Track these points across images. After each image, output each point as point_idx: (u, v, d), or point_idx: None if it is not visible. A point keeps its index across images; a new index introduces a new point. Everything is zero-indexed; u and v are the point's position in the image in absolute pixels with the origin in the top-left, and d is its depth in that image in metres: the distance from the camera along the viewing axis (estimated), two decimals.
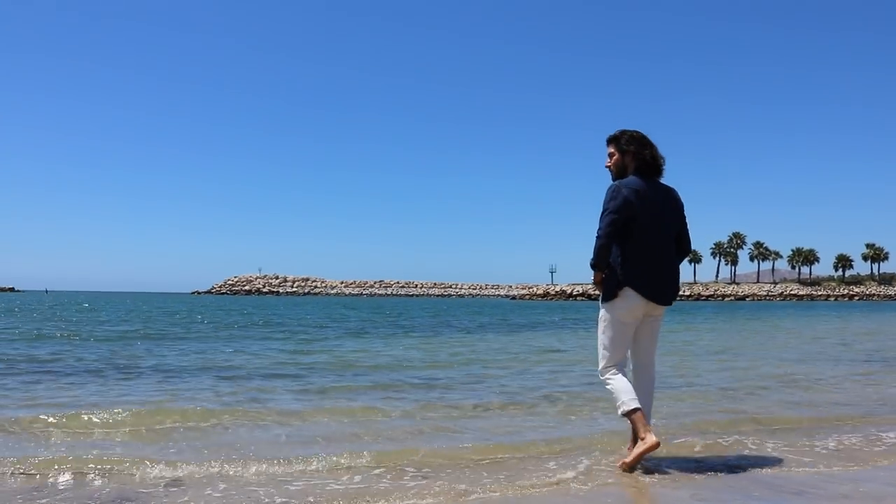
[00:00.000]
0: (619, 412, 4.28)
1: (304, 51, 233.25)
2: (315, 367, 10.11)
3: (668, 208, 4.36)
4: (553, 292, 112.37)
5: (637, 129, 4.42)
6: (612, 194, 4.25)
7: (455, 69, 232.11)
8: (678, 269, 4.43)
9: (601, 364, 4.40)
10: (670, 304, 4.36)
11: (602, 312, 4.39)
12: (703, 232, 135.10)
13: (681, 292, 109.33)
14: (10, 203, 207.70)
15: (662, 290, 4.32)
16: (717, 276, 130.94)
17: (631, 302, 4.29)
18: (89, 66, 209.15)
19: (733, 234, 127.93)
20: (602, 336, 4.39)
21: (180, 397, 7.09)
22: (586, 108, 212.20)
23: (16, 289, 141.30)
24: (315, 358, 11.62)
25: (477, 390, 7.80)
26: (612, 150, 4.44)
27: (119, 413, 5.99)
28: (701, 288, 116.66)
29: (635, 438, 4.29)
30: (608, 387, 4.36)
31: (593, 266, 4.31)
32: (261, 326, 22.17)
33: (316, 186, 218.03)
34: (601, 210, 4.25)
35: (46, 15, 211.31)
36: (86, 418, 5.80)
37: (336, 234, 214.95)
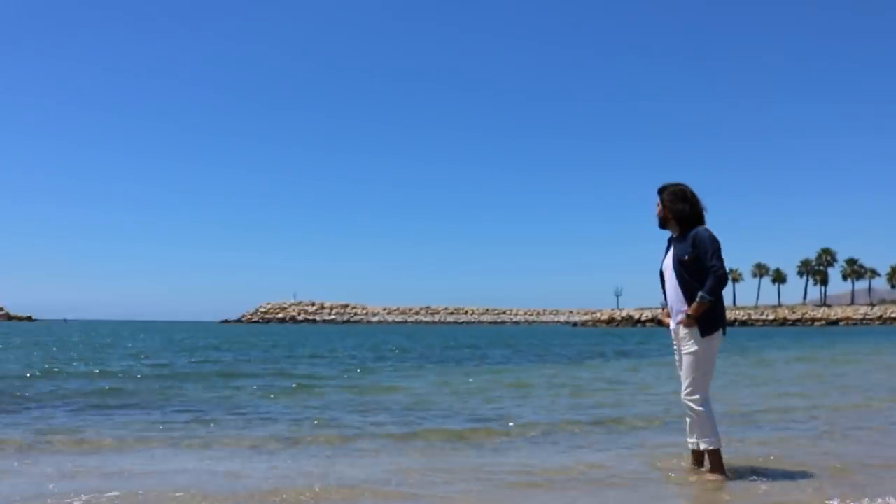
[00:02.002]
0: (710, 445, 5.46)
1: (347, 63, 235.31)
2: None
3: None
4: (619, 318, 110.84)
5: (681, 184, 5.57)
6: (716, 237, 5.40)
7: (507, 83, 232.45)
8: None
9: (699, 391, 5.44)
10: None
11: (703, 345, 5.37)
12: (788, 249, 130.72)
13: (764, 316, 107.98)
14: (28, 229, 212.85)
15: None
16: (804, 297, 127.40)
17: (719, 339, 5.49)
18: (108, 76, 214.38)
19: (822, 250, 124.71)
20: (703, 365, 5.40)
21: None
22: (655, 114, 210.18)
23: (34, 318, 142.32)
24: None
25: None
26: (658, 200, 5.63)
27: None
28: (787, 311, 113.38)
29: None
30: (703, 414, 5.44)
31: (711, 300, 5.31)
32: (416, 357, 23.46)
33: (353, 207, 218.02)
34: (710, 247, 5.32)
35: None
36: None
37: (376, 258, 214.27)
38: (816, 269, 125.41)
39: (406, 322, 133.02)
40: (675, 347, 5.65)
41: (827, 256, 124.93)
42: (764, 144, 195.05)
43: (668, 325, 5.67)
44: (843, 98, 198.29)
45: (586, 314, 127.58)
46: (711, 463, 5.53)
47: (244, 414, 9.57)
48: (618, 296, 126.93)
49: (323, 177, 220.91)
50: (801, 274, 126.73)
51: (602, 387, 13.45)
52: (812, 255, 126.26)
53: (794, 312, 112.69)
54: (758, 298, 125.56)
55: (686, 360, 5.47)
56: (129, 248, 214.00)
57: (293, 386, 13.45)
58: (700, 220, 5.50)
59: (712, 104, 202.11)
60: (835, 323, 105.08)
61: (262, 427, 8.40)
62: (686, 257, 5.39)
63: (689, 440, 5.61)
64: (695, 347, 5.38)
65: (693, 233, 5.44)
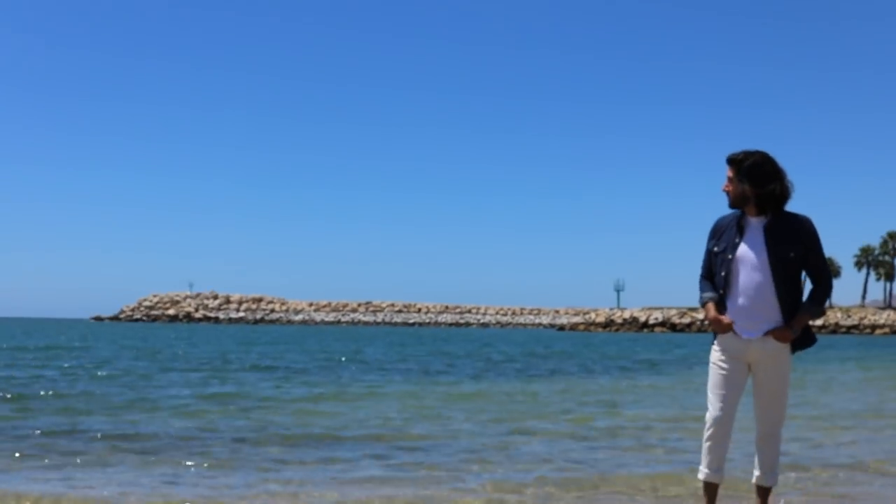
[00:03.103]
0: (776, 481, 5.70)
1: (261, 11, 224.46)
2: None
3: None
4: (620, 320, 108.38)
5: (763, 153, 5.43)
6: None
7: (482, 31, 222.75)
8: None
9: (784, 420, 5.71)
10: None
11: (791, 363, 5.56)
12: (843, 233, 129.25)
13: (812, 322, 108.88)
14: None
15: None
16: (863, 297, 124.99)
17: None
18: None
19: (889, 234, 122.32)
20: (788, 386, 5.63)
21: None
22: (673, 71, 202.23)
23: None
24: None
25: None
26: (730, 174, 5.48)
27: None
28: (840, 315, 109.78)
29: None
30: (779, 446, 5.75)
31: (822, 314, 5.58)
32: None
33: (269, 173, 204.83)
34: (822, 251, 5.45)
35: None
36: None
37: (300, 241, 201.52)
38: (880, 260, 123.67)
39: (340, 322, 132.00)
40: (723, 362, 5.56)
41: (894, 243, 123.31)
42: (808, 110, 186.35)
43: (722, 327, 5.48)
44: None
45: (577, 314, 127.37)
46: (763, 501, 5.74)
47: None
48: (619, 291, 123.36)
49: (224, 137, 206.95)
50: (859, 266, 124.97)
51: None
52: (875, 241, 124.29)
53: (849, 316, 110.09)
54: None
55: (777, 383, 5.54)
56: None
57: None
58: (786, 201, 5.47)
59: (741, 66, 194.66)
60: None
61: None
62: (792, 254, 5.38)
63: (705, 469, 5.65)
64: (788, 367, 5.53)
65: (798, 223, 5.43)
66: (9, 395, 14.46)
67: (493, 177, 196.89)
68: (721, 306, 5.50)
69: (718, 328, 5.47)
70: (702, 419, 5.80)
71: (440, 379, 20.67)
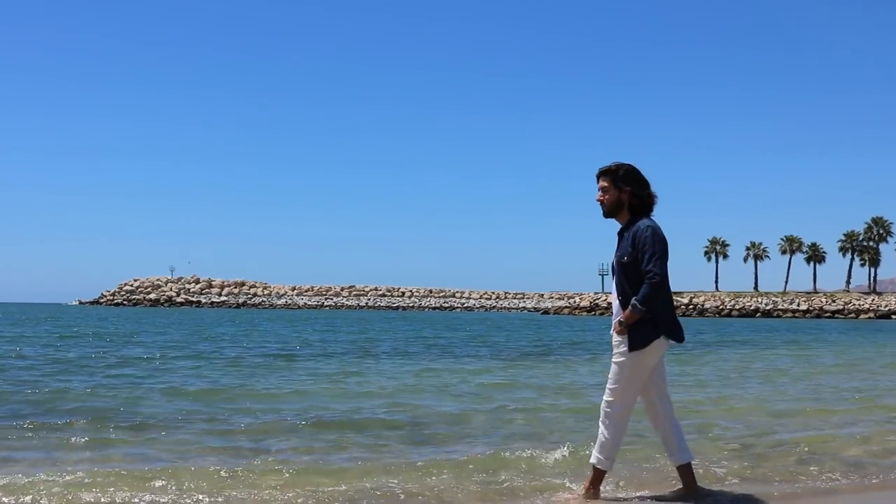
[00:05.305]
0: (596, 463, 6.09)
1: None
2: None
3: None
4: (604, 304, 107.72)
5: (631, 164, 5.99)
6: (660, 236, 5.82)
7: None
8: None
9: (613, 406, 6.01)
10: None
11: (631, 359, 5.87)
12: (827, 219, 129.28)
13: (794, 305, 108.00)
14: None
15: (681, 329, 6.08)
16: (847, 282, 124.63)
17: (661, 348, 5.94)
18: None
19: (873, 220, 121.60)
20: (625, 382, 5.91)
21: None
22: (649, 55, 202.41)
23: None
24: None
25: None
26: (605, 183, 5.98)
27: None
28: (824, 299, 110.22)
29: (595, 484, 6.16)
30: (609, 429, 6.01)
31: (643, 311, 5.76)
32: None
33: (252, 162, 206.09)
34: (649, 250, 5.76)
35: None
36: None
37: (283, 226, 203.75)
38: (865, 246, 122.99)
39: (323, 306, 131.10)
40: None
41: (879, 229, 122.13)
42: (795, 94, 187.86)
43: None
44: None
45: (561, 298, 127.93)
46: (591, 479, 6.13)
47: None
48: (603, 276, 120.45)
49: (206, 123, 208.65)
50: (844, 251, 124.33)
51: None
52: (859, 227, 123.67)
53: (833, 301, 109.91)
54: (787, 282, 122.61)
55: (612, 367, 6.00)
56: None
57: None
58: (650, 209, 5.96)
59: (724, 48, 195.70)
60: (887, 316, 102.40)
61: None
62: (626, 258, 5.84)
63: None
64: (621, 359, 5.89)
65: (634, 229, 5.85)
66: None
67: (477, 161, 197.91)
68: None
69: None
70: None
71: None
